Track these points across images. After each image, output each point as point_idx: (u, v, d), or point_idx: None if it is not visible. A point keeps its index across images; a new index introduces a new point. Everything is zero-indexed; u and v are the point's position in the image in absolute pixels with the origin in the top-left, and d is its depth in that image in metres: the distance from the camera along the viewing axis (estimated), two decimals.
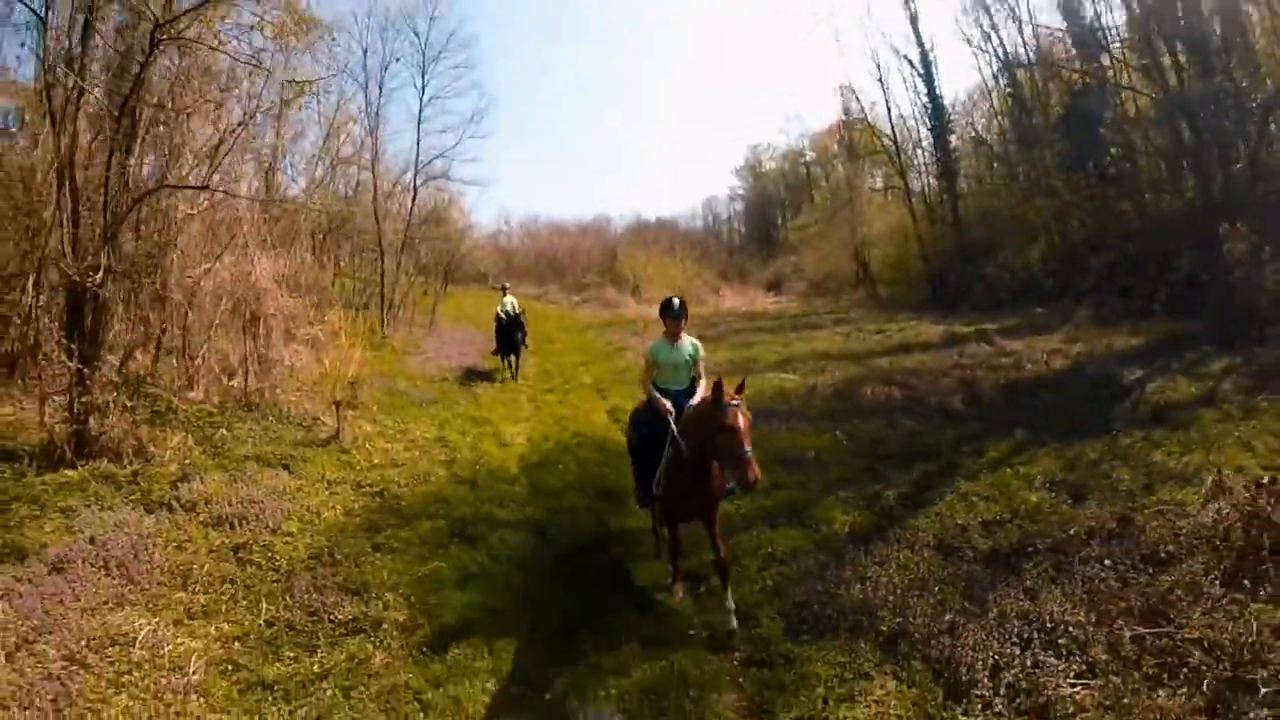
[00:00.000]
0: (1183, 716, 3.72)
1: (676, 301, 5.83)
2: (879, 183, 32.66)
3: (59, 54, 8.58)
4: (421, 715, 4.07)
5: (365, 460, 8.74)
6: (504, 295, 16.10)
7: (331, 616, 5.13)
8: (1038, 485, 6.95)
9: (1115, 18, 19.60)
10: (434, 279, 24.51)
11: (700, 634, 5.01)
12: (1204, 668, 4.03)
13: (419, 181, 22.02)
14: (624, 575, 5.93)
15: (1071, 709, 3.91)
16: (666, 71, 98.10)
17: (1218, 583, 4.75)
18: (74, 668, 4.49)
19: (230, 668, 4.63)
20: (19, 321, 9.67)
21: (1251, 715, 3.61)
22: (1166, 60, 17.02)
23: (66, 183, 8.48)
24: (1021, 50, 23.20)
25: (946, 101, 26.63)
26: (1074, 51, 20.92)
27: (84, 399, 8.03)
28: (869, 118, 29.54)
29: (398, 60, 21.20)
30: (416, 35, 22.06)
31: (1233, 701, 3.74)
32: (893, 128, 27.85)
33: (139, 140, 8.92)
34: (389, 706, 4.15)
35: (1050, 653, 4.36)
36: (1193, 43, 16.50)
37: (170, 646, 4.80)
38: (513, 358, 15.43)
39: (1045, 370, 11.89)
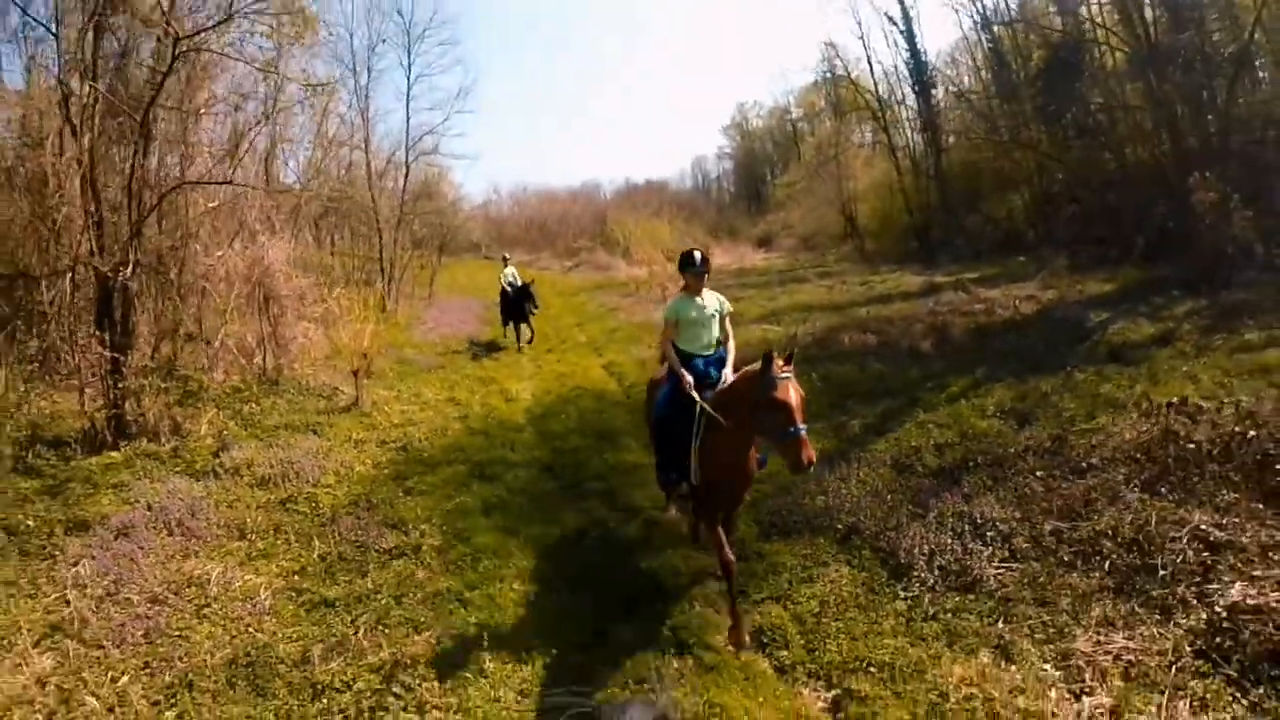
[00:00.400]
0: (1090, 593, 4.58)
1: (698, 254, 5.28)
2: (868, 136, 32.71)
3: (74, 64, 9.21)
4: (463, 611, 5.01)
5: (386, 421, 9.63)
6: (505, 266, 16.35)
7: (376, 547, 6.05)
8: (989, 414, 7.71)
9: None
10: (429, 252, 25.10)
11: (687, 535, 5.91)
12: (1113, 555, 4.88)
13: (410, 158, 22.59)
14: (620, 498, 6.87)
15: (994, 585, 4.81)
16: (653, 32, 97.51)
17: (1137, 488, 5.53)
18: (157, 607, 5.29)
19: (295, 593, 5.51)
20: (51, 318, 10.42)
21: (1153, 593, 4.42)
22: (1147, 14, 17.05)
23: (89, 186, 9.19)
24: (1002, 3, 23.45)
25: (929, 56, 26.77)
26: (1053, 7, 21.09)
27: (120, 385, 8.73)
28: (851, 74, 29.66)
29: (384, 42, 21.55)
30: (400, 15, 22.44)
31: (1136, 581, 4.56)
32: (875, 84, 28.08)
33: (156, 141, 9.60)
34: (435, 607, 5.09)
35: (979, 543, 5.27)
36: None
37: (239, 583, 5.65)
38: (523, 327, 15.49)
39: (1015, 315, 12.38)
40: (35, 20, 9.22)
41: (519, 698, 4.12)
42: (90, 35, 9.13)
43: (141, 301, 10.11)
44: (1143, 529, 4.97)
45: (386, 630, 4.83)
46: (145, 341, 10.23)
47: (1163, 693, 3.64)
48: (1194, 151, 15.28)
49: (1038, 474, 6.10)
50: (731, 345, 5.35)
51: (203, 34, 8.11)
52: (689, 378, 4.94)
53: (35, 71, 11.72)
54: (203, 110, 9.86)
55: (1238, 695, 3.56)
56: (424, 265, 24.38)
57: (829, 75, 31.55)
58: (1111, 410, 7.14)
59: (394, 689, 4.17)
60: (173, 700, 4.30)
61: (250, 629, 5.07)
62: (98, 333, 8.97)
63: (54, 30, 9.16)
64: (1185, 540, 4.74)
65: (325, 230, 22.05)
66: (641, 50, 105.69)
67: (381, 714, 4.00)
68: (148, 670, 4.60)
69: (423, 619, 4.93)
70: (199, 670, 4.55)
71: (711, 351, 5.26)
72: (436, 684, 4.22)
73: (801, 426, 4.13)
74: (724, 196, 55.30)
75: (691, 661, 4.35)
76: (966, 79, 27.05)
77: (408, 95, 22.40)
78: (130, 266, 9.12)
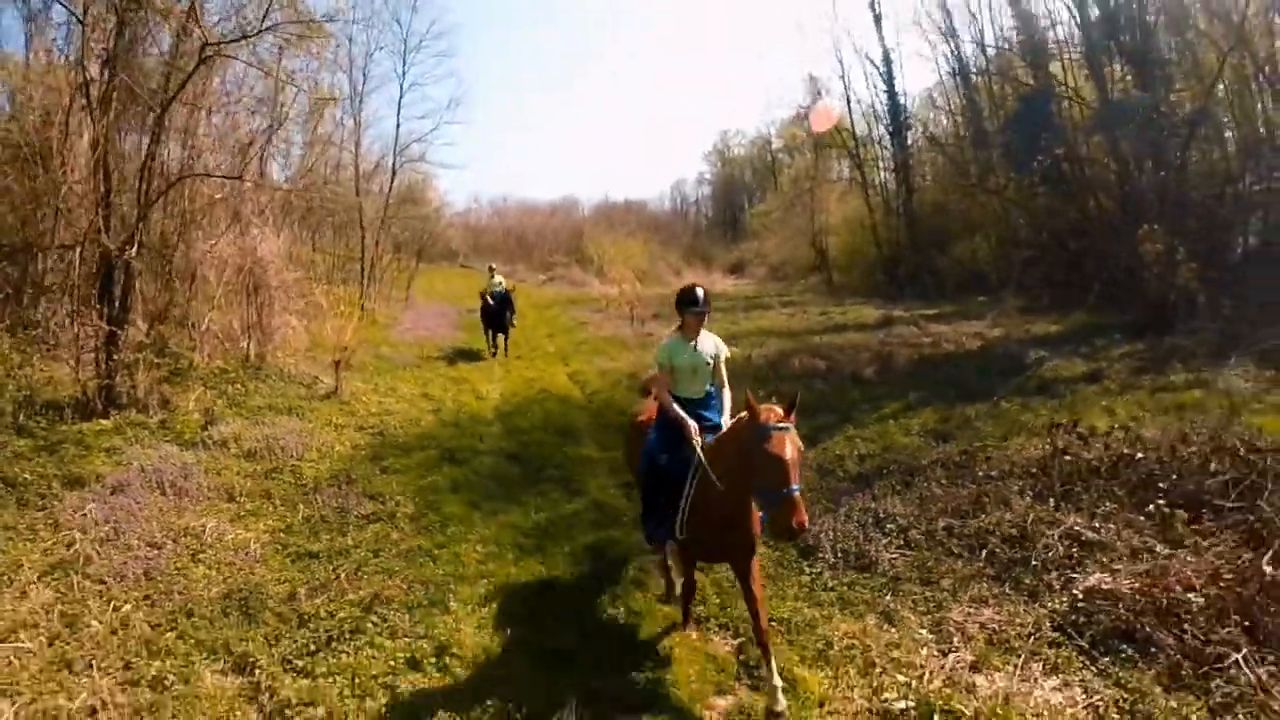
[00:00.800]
0: (970, 577, 5.45)
1: (700, 291, 4.77)
2: (845, 172, 33.24)
3: (96, 52, 9.88)
4: (432, 564, 5.81)
5: (364, 409, 10.39)
6: (492, 276, 16.83)
7: (355, 512, 6.81)
8: (913, 432, 8.59)
9: (1065, 30, 20.79)
10: (408, 255, 25.78)
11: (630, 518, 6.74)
12: (994, 548, 5.76)
13: (398, 164, 23.42)
14: (574, 484, 7.71)
15: (887, 567, 5.70)
16: (640, 56, 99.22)
17: (1028, 496, 6.38)
18: (155, 551, 5.94)
19: (281, 546, 6.24)
20: (54, 290, 11.00)
21: (1024, 579, 5.26)
22: (1116, 70, 18.36)
23: (101, 168, 9.84)
24: (980, 55, 24.53)
25: (908, 98, 28.03)
26: (1027, 60, 21.99)
27: (114, 358, 9.27)
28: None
29: (380, 49, 22.36)
30: (399, 24, 23.28)
31: (1012, 570, 5.42)
32: (852, 122, 29.17)
33: (168, 131, 10.31)
34: (408, 560, 5.89)
35: (879, 533, 6.18)
36: (1134, 55, 17.82)
37: (231, 536, 6.35)
38: (501, 337, 15.97)
39: (957, 349, 13.32)
40: (64, 5, 9.83)
41: (476, 630, 4.91)
42: (114, 26, 9.83)
43: (142, 281, 10.73)
44: (1023, 527, 5.82)
45: (365, 576, 5.59)
46: (140, 319, 10.81)
47: (1019, 656, 4.44)
48: (1150, 204, 16.00)
49: (941, 481, 6.98)
50: (728, 397, 4.91)
51: (231, 44, 8.83)
52: (694, 425, 4.54)
53: (37, 53, 12.45)
54: (214, 108, 10.57)
55: (1087, 663, 4.32)
56: (403, 269, 25.03)
57: (809, 108, 32.49)
58: (1025, 433, 7.85)
59: (371, 619, 4.94)
60: (173, 624, 4.97)
61: (242, 572, 5.75)
62: (99, 306, 9.57)
63: (81, 18, 9.79)
64: (1058, 538, 5.58)
65: (308, 227, 22.65)
66: (629, 71, 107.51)
67: (360, 636, 4.76)
68: (148, 601, 5.24)
69: (397, 568, 5.71)
70: (196, 602, 5.24)
71: (703, 397, 4.89)
72: (407, 616, 5.00)
73: (795, 486, 3.73)
74: (701, 221, 56.29)
75: (624, 607, 5.21)
76: (944, 120, 28.18)
77: (399, 102, 23.34)
78: (135, 247, 9.76)
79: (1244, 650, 4.08)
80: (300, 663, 4.52)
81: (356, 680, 4.32)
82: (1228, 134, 17.94)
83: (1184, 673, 4.08)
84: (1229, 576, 4.59)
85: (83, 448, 7.87)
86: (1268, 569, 4.52)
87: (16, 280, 10.94)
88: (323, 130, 20.89)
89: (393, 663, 4.51)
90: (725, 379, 4.97)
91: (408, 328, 18.75)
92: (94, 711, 4.05)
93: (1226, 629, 4.27)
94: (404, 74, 23.28)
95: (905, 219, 26.34)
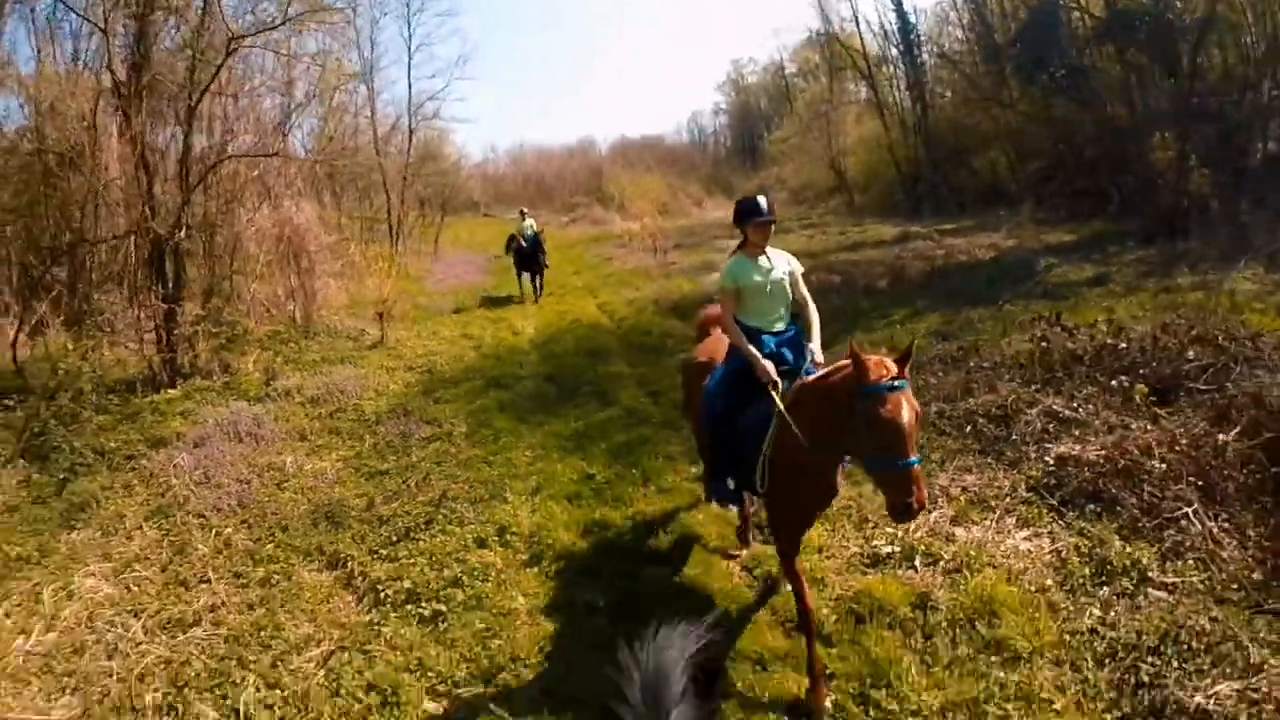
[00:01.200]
0: (956, 451, 5.93)
1: (763, 200, 4.10)
2: (863, 93, 32.44)
3: (123, 57, 10.51)
4: (488, 468, 6.64)
5: (410, 353, 11.21)
6: (523, 219, 16.99)
7: (416, 436, 7.62)
8: (918, 334, 8.67)
9: None
10: (432, 210, 26.42)
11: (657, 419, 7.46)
12: (981, 426, 6.24)
13: (414, 124, 24.07)
14: (610, 398, 8.41)
15: None
16: None
17: (1015, 382, 6.76)
18: (244, 485, 6.76)
19: (355, 469, 7.06)
20: (108, 279, 11.86)
21: (1005, 452, 5.74)
22: None
23: (141, 162, 10.54)
24: None
25: (918, 16, 27.35)
26: None
27: (175, 333, 10.13)
28: (840, 33, 30.07)
29: (385, 15, 22.70)
30: None
31: (996, 444, 5.90)
32: (862, 42, 28.61)
33: (201, 120, 10.98)
34: (467, 467, 6.69)
35: None
36: None
37: (309, 466, 7.20)
38: (535, 279, 16.14)
39: (970, 260, 13.44)
40: (84, 17, 10.48)
41: (530, 514, 5.71)
42: (135, 30, 10.43)
43: (191, 260, 11.55)
44: (1006, 408, 6.28)
45: (431, 482, 6.41)
46: (194, 295, 11.65)
47: (996, 512, 5.00)
48: (1164, 112, 16.03)
49: (938, 374, 7.38)
50: (814, 314, 4.17)
51: (257, 35, 9.40)
52: (767, 363, 3.85)
53: (45, 63, 13.16)
54: (238, 93, 11.18)
55: (1056, 518, 4.82)
56: (429, 223, 25.72)
57: (822, 33, 31.79)
58: (1020, 331, 8.02)
59: (440, 513, 5.75)
60: (270, 538, 5.79)
61: (323, 492, 6.56)
62: (155, 288, 10.39)
63: (103, 27, 10.39)
64: (1037, 415, 6.03)
65: (332, 193, 23.33)
66: (639, 5, 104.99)
67: (433, 526, 5.56)
68: (245, 525, 6.04)
69: (458, 474, 6.52)
70: (288, 519, 6.05)
71: (784, 327, 4.15)
72: (471, 509, 5.80)
73: (915, 458, 3.10)
74: (720, 151, 55.51)
75: (653, 487, 5.97)
76: (958, 34, 27.33)
77: (409, 64, 23.81)
78: (183, 229, 10.52)
79: (1195, 505, 4.54)
80: (384, 551, 5.34)
81: (433, 558, 5.12)
82: (1249, 39, 17.01)
83: (1141, 524, 4.55)
84: (1184, 443, 5.05)
85: (158, 414, 8.68)
86: (1222, 437, 4.98)
87: (67, 278, 11.82)
88: (339, 100, 21.40)
89: (463, 543, 5.30)
90: (807, 295, 4.25)
91: (440, 278, 19.55)
92: (213, 609, 4.82)
93: (1180, 488, 4.72)
94: (410, 36, 23.73)
95: (922, 137, 26.00)
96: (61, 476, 7.01)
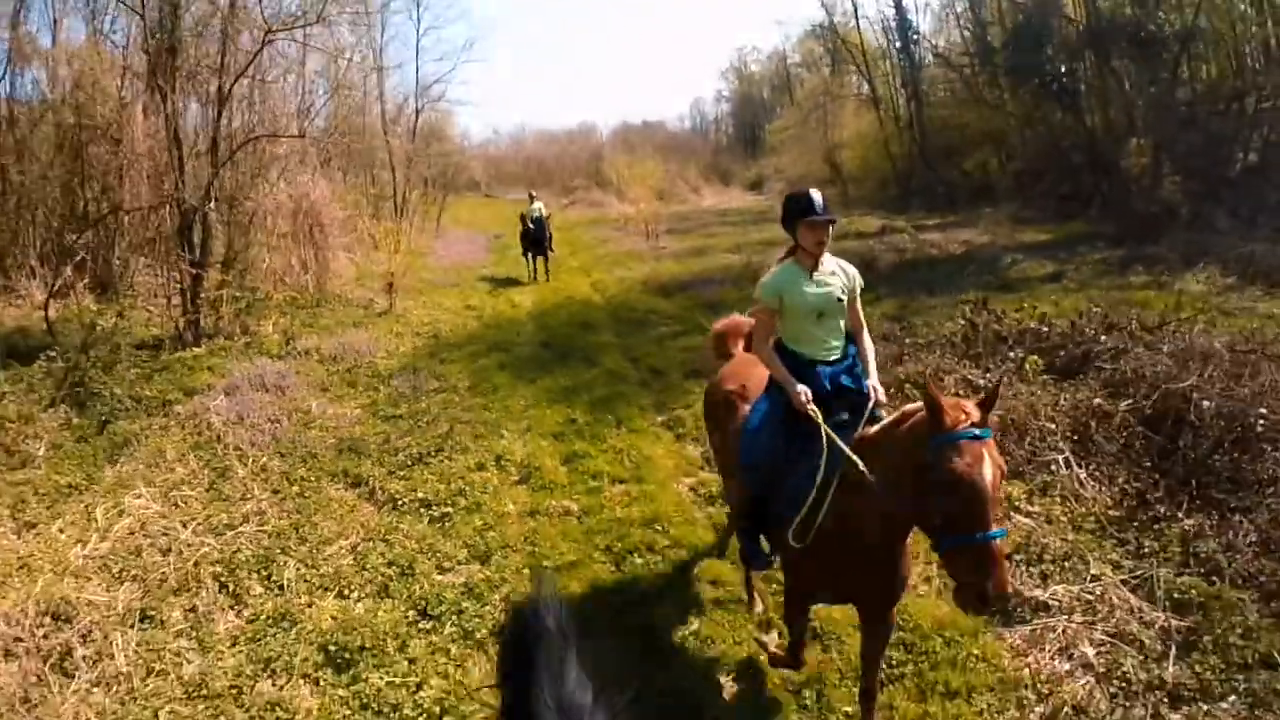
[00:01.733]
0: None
1: (817, 195, 3.33)
2: (864, 88, 32.67)
3: (161, 40, 11.49)
4: (487, 412, 7.82)
5: (417, 320, 12.34)
6: (531, 202, 17.21)
7: (425, 389, 8.74)
8: (873, 317, 9.89)
9: None
10: (436, 189, 27.37)
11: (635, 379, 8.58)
12: (909, 392, 7.04)
13: (420, 105, 25.18)
14: (595, 361, 9.58)
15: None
16: None
17: (944, 356, 7.77)
18: (275, 425, 7.77)
19: (372, 414, 8.16)
20: (138, 246, 12.90)
21: None
22: None
23: (174, 138, 11.53)
24: None
25: (917, 13, 28.87)
26: None
27: (200, 297, 11.09)
28: (841, 26, 30.60)
29: None
30: None
31: None
32: (861, 37, 29.25)
33: (231, 101, 11.99)
34: (469, 412, 7.85)
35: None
36: None
37: (332, 410, 8.28)
38: (540, 260, 16.51)
39: (940, 254, 14.25)
40: (125, 4, 11.45)
41: (522, 446, 6.92)
42: (169, 13, 11.41)
43: (216, 230, 12.56)
44: (927, 375, 6.99)
45: (439, 422, 7.55)
46: (215, 263, 12.66)
47: None
48: (1141, 120, 16.79)
49: (878, 344, 8.45)
50: (869, 344, 3.54)
51: (289, 29, 10.44)
52: (804, 391, 3.16)
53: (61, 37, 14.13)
54: (268, 79, 12.22)
55: None
56: (432, 202, 26.70)
57: (823, 26, 32.25)
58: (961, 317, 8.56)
59: (447, 444, 6.92)
60: (302, 464, 6.87)
61: (346, 430, 7.65)
62: (182, 254, 11.39)
63: (140, 10, 11.38)
64: (953, 383, 7.02)
65: (341, 170, 24.28)
66: None
67: (440, 454, 6.73)
68: (279, 455, 7.10)
69: (463, 417, 7.67)
70: (316, 450, 7.15)
71: (840, 356, 3.39)
72: (473, 442, 6.98)
73: (995, 530, 2.50)
74: (721, 139, 56.02)
75: (625, 429, 7.18)
76: (956, 34, 27.82)
77: (417, 47, 24.88)
78: (212, 201, 11.54)
79: (1066, 454, 5.60)
80: (400, 473, 6.49)
81: (442, 476, 6.29)
82: (1234, 51, 17.72)
83: (1022, 470, 5.56)
84: (1066, 407, 6.14)
85: (188, 368, 9.52)
86: (1097, 401, 6.09)
87: (96, 244, 12.77)
88: (348, 78, 22.32)
89: (466, 466, 6.47)
90: (863, 318, 3.57)
91: (442, 255, 20.64)
92: (256, 513, 5.86)
93: (1056, 438, 5.80)
94: (419, 20, 24.52)
95: (916, 133, 26.82)
96: (102, 419, 7.56)
